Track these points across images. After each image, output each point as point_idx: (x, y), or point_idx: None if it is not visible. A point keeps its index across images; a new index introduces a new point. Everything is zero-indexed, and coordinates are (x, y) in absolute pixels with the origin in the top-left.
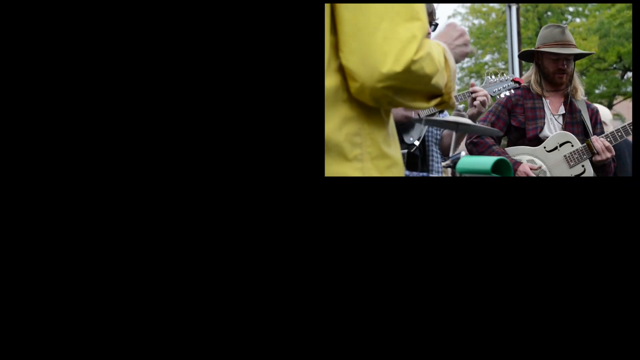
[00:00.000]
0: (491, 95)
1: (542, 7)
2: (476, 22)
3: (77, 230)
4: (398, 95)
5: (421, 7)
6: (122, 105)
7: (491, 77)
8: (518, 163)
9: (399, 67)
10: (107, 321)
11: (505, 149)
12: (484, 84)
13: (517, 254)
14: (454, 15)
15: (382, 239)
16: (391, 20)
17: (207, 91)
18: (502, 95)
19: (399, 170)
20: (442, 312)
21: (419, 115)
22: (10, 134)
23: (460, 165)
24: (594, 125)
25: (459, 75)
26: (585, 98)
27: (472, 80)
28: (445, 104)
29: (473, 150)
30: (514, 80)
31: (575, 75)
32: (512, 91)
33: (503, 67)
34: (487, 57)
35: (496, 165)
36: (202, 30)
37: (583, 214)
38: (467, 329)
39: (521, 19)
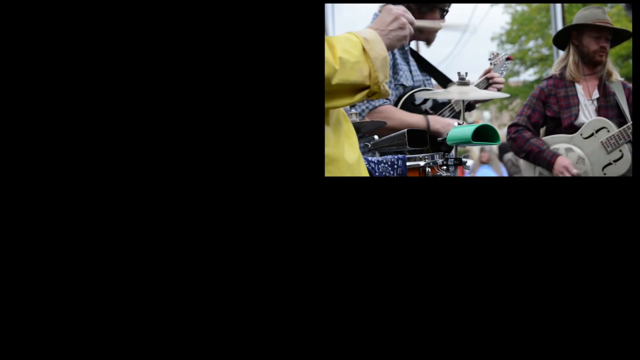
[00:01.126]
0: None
1: None
2: (519, 8)
3: (77, 231)
4: None
5: None
6: (123, 107)
7: (493, 57)
8: (555, 155)
9: None
10: (107, 321)
11: (543, 138)
12: (495, 69)
13: (517, 253)
14: (497, 2)
15: (377, 236)
16: None
17: (211, 97)
18: (501, 72)
19: (338, 166)
20: (442, 311)
21: None
22: (10, 134)
23: (449, 136)
24: (632, 105)
25: None
26: (621, 79)
27: (516, 67)
28: (377, 94)
29: (513, 145)
30: (508, 59)
31: (609, 60)
32: (506, 69)
33: (547, 53)
34: (531, 43)
35: (479, 132)
36: (205, 34)
37: (583, 214)
38: (466, 326)
39: (565, 4)
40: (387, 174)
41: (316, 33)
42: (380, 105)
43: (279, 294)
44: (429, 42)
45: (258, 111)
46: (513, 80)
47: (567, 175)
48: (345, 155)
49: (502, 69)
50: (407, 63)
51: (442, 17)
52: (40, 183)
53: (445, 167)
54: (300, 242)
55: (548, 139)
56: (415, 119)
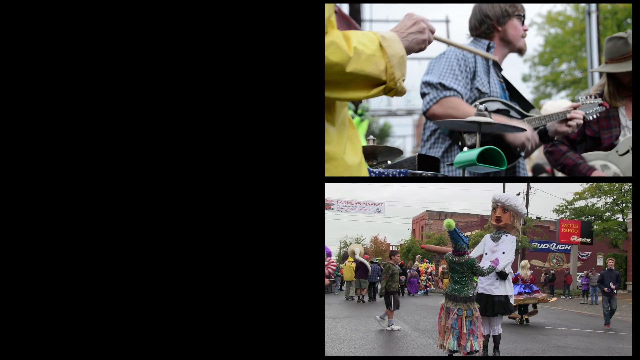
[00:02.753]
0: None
1: (621, 14)
2: (552, 31)
3: (77, 230)
4: (327, 90)
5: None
6: (124, 108)
7: (585, 98)
8: (591, 170)
9: None
10: (107, 321)
11: (582, 154)
12: (582, 107)
13: None
14: (530, 25)
15: None
16: None
17: (211, 97)
18: (590, 118)
19: (336, 165)
20: None
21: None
22: (10, 134)
23: (456, 160)
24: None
25: (535, 83)
26: None
27: (548, 89)
28: (393, 91)
29: (549, 158)
30: (601, 105)
31: None
32: (599, 114)
33: (580, 75)
34: (564, 66)
35: (484, 155)
36: (207, 37)
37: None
38: None
39: (600, 27)
40: None
41: (316, 34)
42: (450, 96)
43: (278, 292)
44: (521, 52)
45: (259, 111)
46: (544, 103)
47: None
48: (345, 156)
49: (590, 110)
50: (488, 75)
51: (522, 23)
52: (41, 183)
53: None
54: (299, 239)
55: (585, 155)
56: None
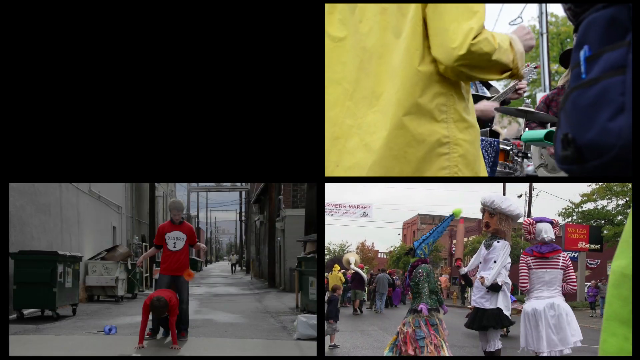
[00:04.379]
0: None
1: (563, 35)
2: None
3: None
4: (472, 71)
5: (479, 6)
6: (126, 108)
7: (524, 68)
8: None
9: (463, 50)
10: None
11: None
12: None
13: None
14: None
15: None
16: (457, 20)
17: (211, 97)
18: (529, 78)
19: (474, 130)
20: None
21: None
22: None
23: (523, 136)
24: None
25: (506, 81)
26: None
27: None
28: (515, 76)
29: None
30: (536, 67)
31: None
32: (536, 76)
33: (536, 77)
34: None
35: (548, 135)
36: (208, 38)
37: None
38: None
39: (549, 44)
40: (486, 150)
41: (316, 36)
42: None
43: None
44: None
45: (261, 113)
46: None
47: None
48: (475, 124)
49: (530, 75)
50: None
51: None
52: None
53: (517, 156)
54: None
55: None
56: None
